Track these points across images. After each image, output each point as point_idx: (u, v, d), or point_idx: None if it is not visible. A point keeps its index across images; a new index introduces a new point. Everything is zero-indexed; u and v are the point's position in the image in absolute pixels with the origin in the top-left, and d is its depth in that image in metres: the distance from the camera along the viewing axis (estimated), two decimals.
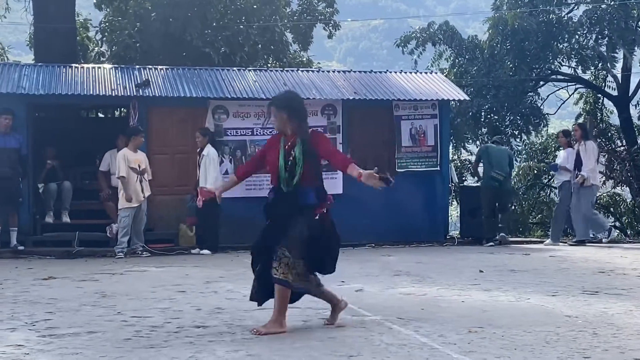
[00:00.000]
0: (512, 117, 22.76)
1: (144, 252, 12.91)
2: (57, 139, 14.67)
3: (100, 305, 7.14)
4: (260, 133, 14.28)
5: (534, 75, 22.87)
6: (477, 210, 14.90)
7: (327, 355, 4.93)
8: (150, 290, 8.20)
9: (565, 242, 14.62)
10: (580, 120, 24.17)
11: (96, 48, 22.13)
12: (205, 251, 13.06)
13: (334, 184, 14.49)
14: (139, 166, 12.82)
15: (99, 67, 15.53)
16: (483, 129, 22.91)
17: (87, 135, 15.29)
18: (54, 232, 13.83)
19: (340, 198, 14.45)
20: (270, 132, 14.29)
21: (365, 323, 6.11)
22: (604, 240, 14.55)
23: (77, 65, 15.61)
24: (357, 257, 11.95)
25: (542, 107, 23.73)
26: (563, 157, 14.75)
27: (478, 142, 23.34)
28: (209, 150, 13.11)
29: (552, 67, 23.47)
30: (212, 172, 13.13)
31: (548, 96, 24.97)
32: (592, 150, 14.39)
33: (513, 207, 21.71)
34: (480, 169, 15.41)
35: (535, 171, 23.14)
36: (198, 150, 13.24)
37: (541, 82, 23.93)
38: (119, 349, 5.15)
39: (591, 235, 14.49)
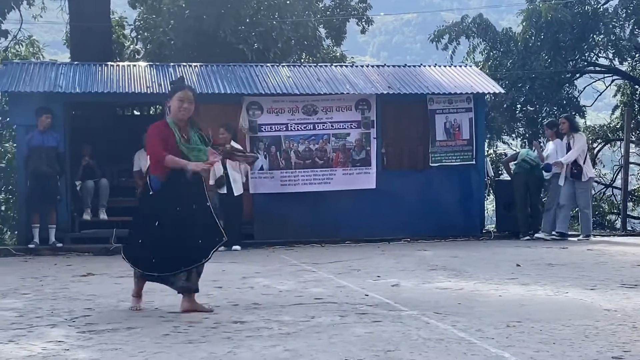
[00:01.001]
0: (548, 109, 22.54)
1: None
2: (94, 137, 14.80)
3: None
4: (294, 128, 14.32)
5: (569, 67, 22.65)
6: (513, 204, 14.80)
7: (365, 350, 4.93)
8: None
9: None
10: (618, 113, 23.92)
11: (131, 46, 22.30)
12: (236, 247, 13.08)
13: (367, 178, 14.51)
14: None
15: (134, 65, 15.64)
16: (519, 123, 22.75)
17: (123, 133, 15.40)
18: (92, 229, 13.97)
19: (374, 193, 14.49)
20: (304, 127, 14.37)
21: (402, 318, 6.10)
22: (580, 238, 14.04)
23: (112, 63, 15.74)
24: (393, 252, 11.94)
25: (578, 99, 23.49)
26: (552, 149, 14.27)
27: (514, 135, 23.18)
28: (237, 146, 13.18)
29: (588, 58, 23.22)
30: (247, 167, 13.33)
31: (585, 88, 24.72)
32: (579, 143, 13.94)
33: None
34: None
35: None
36: (219, 145, 13.15)
37: (577, 74, 23.69)
38: (158, 345, 5.19)
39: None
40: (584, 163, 13.87)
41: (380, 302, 6.90)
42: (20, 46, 21.62)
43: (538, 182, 14.96)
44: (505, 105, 21.79)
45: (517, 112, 22.65)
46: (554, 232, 13.99)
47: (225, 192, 13.13)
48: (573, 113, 22.85)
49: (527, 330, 5.51)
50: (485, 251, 11.98)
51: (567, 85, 23.13)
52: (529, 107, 22.49)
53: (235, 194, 13.05)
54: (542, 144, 14.60)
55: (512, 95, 21.53)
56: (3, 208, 18.06)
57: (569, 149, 13.94)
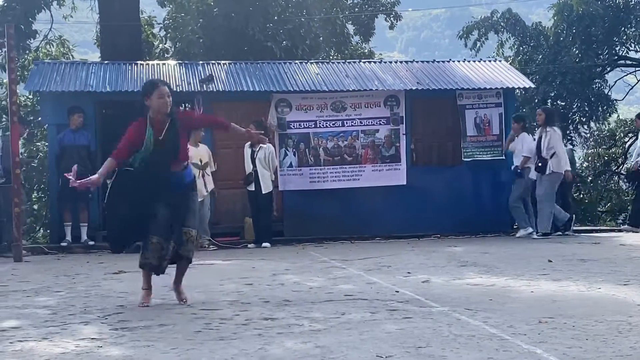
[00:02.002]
0: (579, 104, 22.38)
1: (211, 246, 13.05)
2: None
3: (170, 298, 7.23)
4: (323, 125, 14.32)
5: (600, 61, 22.47)
6: None
7: (395, 347, 4.92)
8: (218, 283, 8.28)
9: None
10: None
11: (160, 45, 22.42)
12: (266, 244, 13.11)
13: (397, 175, 14.49)
14: (201, 161, 12.91)
15: (164, 64, 15.75)
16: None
17: None
18: None
19: (403, 189, 14.47)
20: (332, 123, 14.37)
21: (432, 314, 6.08)
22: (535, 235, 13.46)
23: (142, 62, 15.84)
24: (423, 248, 11.91)
25: (609, 93, 23.30)
26: (529, 143, 13.70)
27: None
28: (268, 144, 13.21)
29: (620, 52, 23.03)
30: (276, 164, 13.39)
31: (616, 82, 24.52)
32: (559, 137, 13.48)
33: (581, 196, 21.39)
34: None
35: (606, 158, 22.77)
36: (249, 143, 13.11)
37: (608, 68, 23.50)
38: (190, 341, 5.21)
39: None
40: (550, 157, 13.29)
41: (410, 298, 6.89)
42: (51, 46, 21.81)
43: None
44: (536, 100, 21.66)
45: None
46: (537, 234, 13.46)
47: (254, 189, 13.17)
48: (604, 107, 22.69)
49: (559, 326, 5.47)
50: (516, 247, 11.92)
51: (598, 79, 22.95)
52: (559, 102, 22.34)
53: (264, 192, 13.07)
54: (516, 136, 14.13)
55: (543, 90, 21.39)
56: (36, 207, 18.24)
57: (539, 142, 13.41)
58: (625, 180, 15.37)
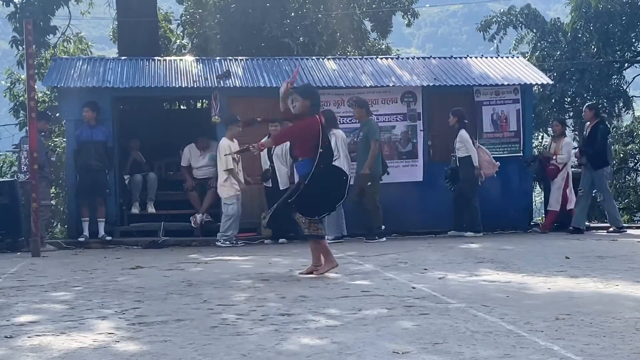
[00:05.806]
0: (597, 101, 22.27)
1: (239, 242, 12.99)
2: (141, 131, 14.95)
3: (187, 293, 7.26)
4: (339, 121, 14.27)
5: (618, 57, 22.34)
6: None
7: (412, 343, 4.92)
8: (234, 279, 8.30)
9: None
10: None
11: (178, 40, 22.47)
12: (282, 240, 13.12)
13: (414, 171, 14.46)
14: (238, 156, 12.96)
15: (181, 60, 15.78)
16: (566, 114, 22.51)
17: (170, 126, 15.54)
18: (140, 223, 14.12)
19: (420, 185, 14.43)
20: (350, 119, 14.34)
21: (449, 310, 6.07)
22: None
23: (159, 58, 15.89)
24: (439, 245, 11.89)
25: (627, 90, 23.18)
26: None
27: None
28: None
29: (638, 48, 22.89)
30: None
31: (634, 78, 24.38)
32: (342, 141, 12.97)
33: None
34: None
35: (622, 155, 22.61)
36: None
37: (626, 64, 23.36)
38: (207, 337, 5.23)
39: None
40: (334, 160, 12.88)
41: (427, 294, 6.88)
42: (69, 43, 21.87)
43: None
44: (554, 99, 21.55)
45: (566, 104, 22.42)
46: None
47: (271, 185, 13.19)
48: (621, 105, 22.56)
49: (576, 323, 5.45)
50: (533, 244, 11.88)
51: (616, 76, 22.83)
52: (578, 100, 22.23)
53: (281, 188, 13.06)
54: None
55: (561, 87, 21.29)
56: (53, 202, 18.34)
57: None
58: (449, 181, 14.37)
